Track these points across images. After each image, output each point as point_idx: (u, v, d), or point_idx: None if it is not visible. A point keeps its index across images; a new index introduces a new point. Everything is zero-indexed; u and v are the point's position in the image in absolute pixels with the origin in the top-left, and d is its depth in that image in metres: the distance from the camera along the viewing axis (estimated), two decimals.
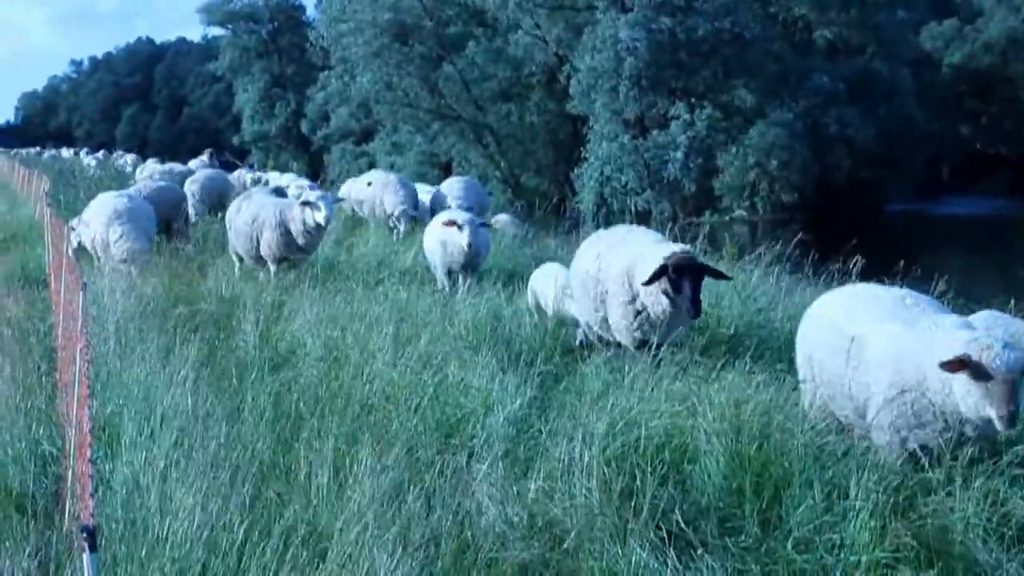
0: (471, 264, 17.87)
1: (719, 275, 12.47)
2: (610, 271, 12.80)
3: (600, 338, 13.48)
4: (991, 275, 33.95)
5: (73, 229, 20.88)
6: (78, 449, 7.57)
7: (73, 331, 10.74)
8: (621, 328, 12.66)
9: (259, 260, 19.54)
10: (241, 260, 20.15)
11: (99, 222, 19.92)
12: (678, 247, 12.13)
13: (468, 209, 22.55)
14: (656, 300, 12.08)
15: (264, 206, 19.65)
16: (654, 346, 12.07)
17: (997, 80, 76.47)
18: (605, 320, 12.99)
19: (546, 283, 14.84)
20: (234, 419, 10.13)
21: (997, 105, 77.51)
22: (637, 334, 12.48)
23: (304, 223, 18.68)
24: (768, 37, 60.93)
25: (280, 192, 25.89)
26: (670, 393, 10.38)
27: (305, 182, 31.90)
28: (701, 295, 11.96)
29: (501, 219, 27.25)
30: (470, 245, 17.37)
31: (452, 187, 27.32)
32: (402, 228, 24.42)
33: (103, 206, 20.54)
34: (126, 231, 19.63)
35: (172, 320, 14.25)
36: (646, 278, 11.89)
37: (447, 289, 17.51)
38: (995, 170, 75.95)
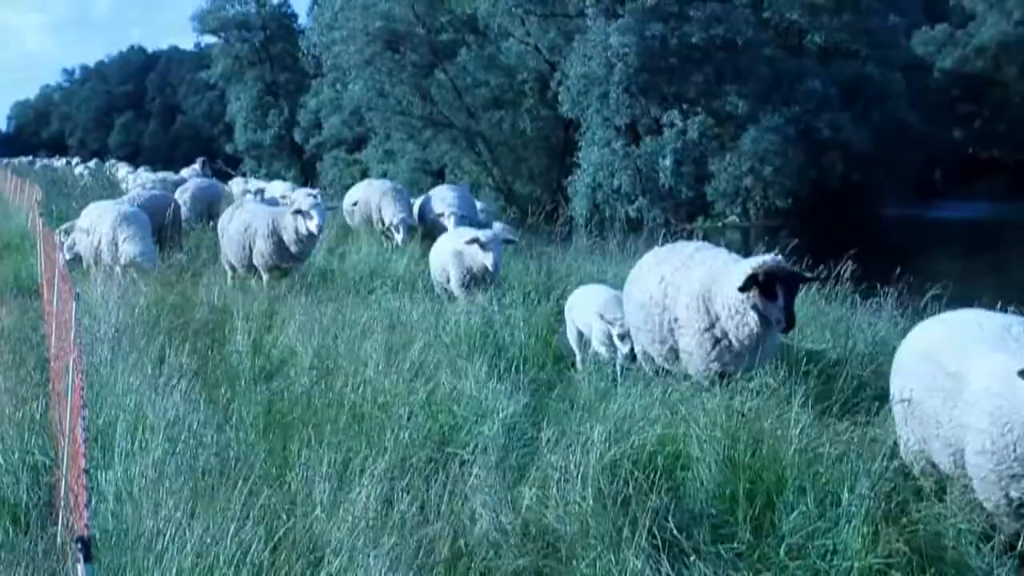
0: (491, 280, 16.92)
1: (810, 281, 12.69)
2: (680, 296, 11.58)
3: (657, 370, 12.25)
4: (988, 278, 33.95)
5: (64, 237, 20.88)
6: (72, 460, 7.56)
7: (66, 341, 10.74)
8: (696, 360, 11.38)
9: (251, 269, 19.50)
10: (234, 269, 20.08)
11: (105, 226, 19.93)
12: (767, 256, 11.04)
13: (462, 218, 22.45)
14: (742, 321, 11.01)
15: (257, 215, 19.64)
16: (727, 377, 11.04)
17: (989, 84, 76.57)
18: (673, 351, 11.72)
19: (586, 308, 13.31)
20: (226, 428, 10.13)
21: (990, 109, 77.60)
22: (715, 365, 11.27)
23: (296, 231, 18.64)
24: (760, 42, 60.98)
25: (273, 203, 25.93)
26: (663, 400, 10.40)
27: (304, 191, 30.91)
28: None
29: (496, 227, 27.11)
30: (495, 266, 16.54)
31: (444, 196, 25.52)
32: (400, 237, 23.85)
33: (107, 212, 20.55)
34: (133, 234, 19.71)
35: (164, 329, 14.24)
36: (740, 284, 10.71)
37: (462, 302, 16.34)
38: (989, 173, 76.00)
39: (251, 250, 19.28)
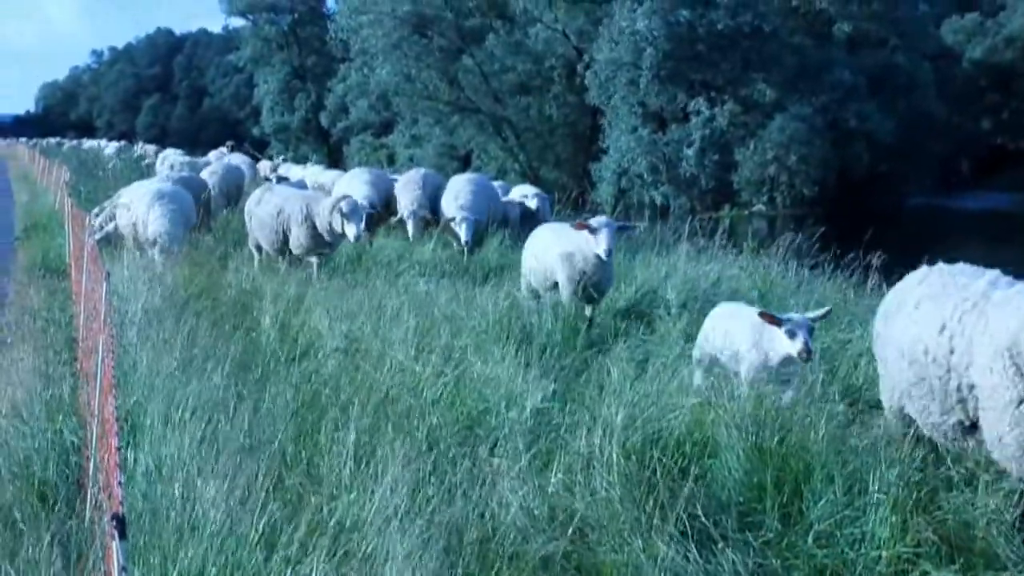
0: (607, 282, 14.98)
1: None
2: (976, 353, 8.27)
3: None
4: (1014, 269, 33.76)
5: (99, 215, 20.97)
6: (103, 439, 7.59)
7: (95, 321, 10.78)
8: (1008, 445, 7.98)
9: (282, 252, 19.25)
10: (260, 251, 19.92)
11: (142, 203, 19.93)
12: None
13: (476, 222, 21.53)
14: None
15: (289, 199, 19.38)
16: None
17: (1019, 74, 76.23)
18: (965, 426, 8.52)
19: (741, 331, 11.02)
20: (257, 409, 10.15)
21: (1018, 100, 77.29)
22: None
23: (331, 225, 18.34)
24: (788, 30, 60.84)
25: (301, 186, 25.90)
26: (690, 387, 10.40)
27: (345, 177, 27.24)
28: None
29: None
30: (608, 253, 14.23)
31: (459, 193, 22.78)
32: (410, 231, 22.43)
33: (146, 188, 20.60)
34: (164, 213, 19.57)
35: (194, 311, 14.27)
36: None
37: (575, 315, 14.48)
38: (1016, 165, 75.71)
39: (285, 235, 19.02)
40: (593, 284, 14.55)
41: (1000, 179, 74.16)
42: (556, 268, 14.85)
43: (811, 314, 10.68)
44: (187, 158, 41.30)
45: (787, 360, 10.37)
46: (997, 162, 77.60)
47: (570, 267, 14.59)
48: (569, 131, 70.12)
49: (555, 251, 14.89)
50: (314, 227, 18.60)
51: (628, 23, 56.83)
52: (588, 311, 14.75)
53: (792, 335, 10.17)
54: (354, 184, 24.17)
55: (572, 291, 14.62)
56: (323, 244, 18.83)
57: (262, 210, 19.55)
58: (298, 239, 18.78)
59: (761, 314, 10.56)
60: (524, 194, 25.71)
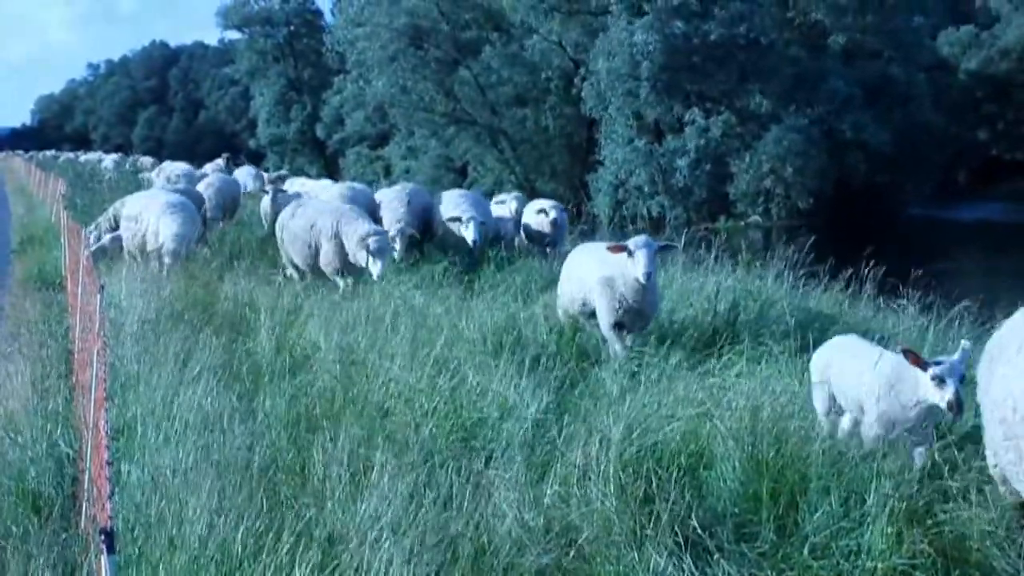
0: (648, 306, 13.39)
1: None
2: None
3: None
4: (1010, 280, 33.80)
5: (94, 230, 20.97)
6: (95, 451, 7.58)
7: (90, 333, 10.77)
8: None
9: (316, 270, 18.72)
10: (297, 270, 19.21)
11: (153, 213, 19.81)
12: None
13: (483, 224, 20.65)
14: None
15: (323, 213, 18.78)
16: None
17: (1014, 86, 76.26)
18: None
19: (868, 372, 9.37)
20: (251, 422, 10.14)
21: (1014, 110, 77.31)
22: None
23: (355, 257, 17.77)
24: (784, 41, 60.95)
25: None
26: (686, 399, 10.38)
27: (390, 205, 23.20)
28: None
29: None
30: (647, 276, 12.75)
31: (459, 201, 22.06)
32: (397, 250, 19.94)
33: (156, 198, 20.56)
34: (175, 218, 19.55)
35: (189, 323, 14.27)
36: None
37: (619, 354, 13.05)
38: (1013, 175, 75.81)
39: (317, 250, 18.52)
40: (635, 312, 13.22)
41: (997, 189, 74.24)
42: (595, 294, 13.47)
43: (955, 356, 8.70)
44: (186, 167, 41.11)
45: (929, 411, 8.80)
46: (993, 173, 77.68)
47: (610, 293, 13.20)
48: (565, 142, 70.22)
49: (595, 275, 13.48)
50: (342, 246, 18.05)
51: (625, 35, 56.90)
52: (628, 340, 13.36)
53: (940, 382, 8.41)
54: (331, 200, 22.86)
55: (611, 322, 13.26)
56: (349, 267, 18.11)
57: (295, 223, 19.01)
58: (327, 255, 18.32)
59: (905, 352, 8.79)
60: (542, 208, 22.85)
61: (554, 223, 22.22)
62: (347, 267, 18.08)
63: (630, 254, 12.80)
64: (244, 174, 41.69)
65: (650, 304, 13.27)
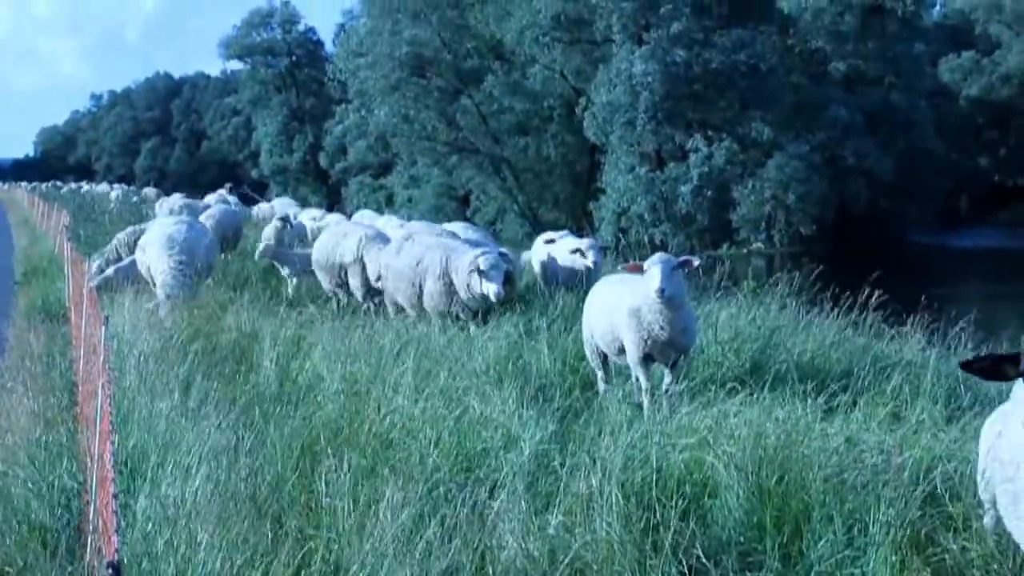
0: (679, 335, 12.15)
1: None
2: None
3: None
4: (1013, 305, 33.81)
5: (97, 260, 20.98)
6: (101, 484, 7.60)
7: (94, 365, 10.79)
8: None
9: (423, 311, 17.46)
10: (401, 310, 18.05)
11: (156, 248, 19.55)
12: None
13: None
14: None
15: (430, 248, 17.67)
16: None
17: (1016, 112, 76.45)
18: None
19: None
20: (255, 453, 10.15)
21: (1016, 137, 77.47)
22: None
23: (469, 287, 16.47)
24: (785, 69, 61.11)
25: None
26: (690, 427, 10.38)
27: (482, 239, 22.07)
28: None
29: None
30: (662, 292, 11.56)
31: (464, 231, 21.49)
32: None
33: (161, 234, 20.07)
34: (173, 264, 19.10)
35: (193, 354, 14.28)
36: None
37: (646, 391, 12.29)
38: (1014, 202, 75.88)
39: (422, 289, 17.32)
40: (665, 342, 12.05)
41: (998, 216, 74.31)
42: (622, 327, 12.32)
43: None
44: (184, 201, 41.07)
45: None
46: (995, 200, 77.75)
47: (637, 324, 12.06)
48: (568, 171, 70.32)
49: (624, 306, 12.29)
50: (451, 284, 16.81)
51: (625, 66, 57.04)
52: (667, 377, 12.31)
53: (645, 272, 7.27)
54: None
55: (640, 356, 12.17)
56: (459, 306, 16.81)
57: (401, 261, 17.87)
58: (431, 295, 17.08)
59: None
60: (575, 247, 19.38)
61: (594, 265, 18.89)
62: (452, 305, 16.89)
63: (645, 272, 11.83)
64: (285, 204, 41.71)
65: (681, 334, 12.08)
